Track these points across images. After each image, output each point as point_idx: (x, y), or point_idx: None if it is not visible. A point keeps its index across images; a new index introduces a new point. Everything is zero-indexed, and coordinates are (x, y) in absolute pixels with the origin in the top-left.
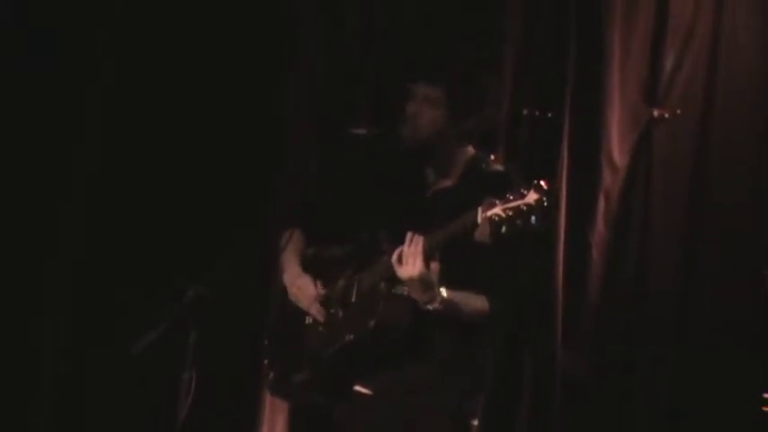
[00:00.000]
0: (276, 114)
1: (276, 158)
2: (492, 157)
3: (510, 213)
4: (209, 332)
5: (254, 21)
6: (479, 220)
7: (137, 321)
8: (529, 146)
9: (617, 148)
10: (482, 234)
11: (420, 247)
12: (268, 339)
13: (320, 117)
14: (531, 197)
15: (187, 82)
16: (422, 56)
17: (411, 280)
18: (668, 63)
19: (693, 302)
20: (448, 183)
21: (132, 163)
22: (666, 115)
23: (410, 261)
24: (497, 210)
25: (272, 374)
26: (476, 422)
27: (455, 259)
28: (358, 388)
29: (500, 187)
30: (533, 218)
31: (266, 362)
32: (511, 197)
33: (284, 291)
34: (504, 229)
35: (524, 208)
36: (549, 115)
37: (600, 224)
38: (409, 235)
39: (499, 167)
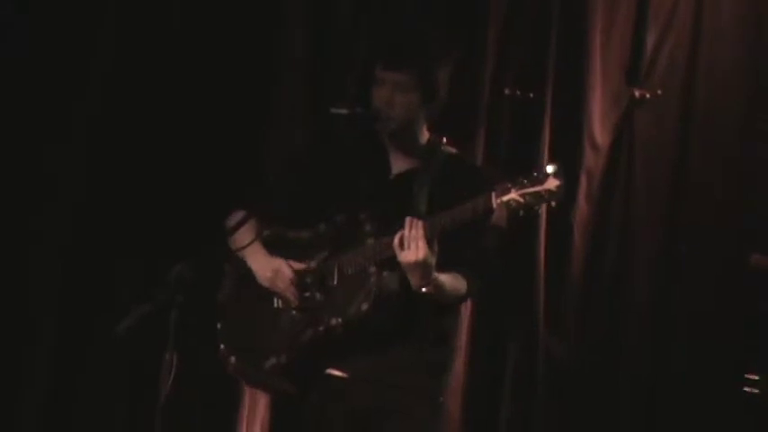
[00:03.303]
0: (264, 102)
1: (265, 144)
2: (444, 140)
3: (529, 198)
4: (192, 312)
5: (243, 10)
6: (494, 205)
7: (123, 310)
8: (511, 126)
9: (599, 129)
10: (499, 218)
11: (421, 232)
12: (221, 323)
13: (308, 104)
14: (552, 183)
15: (177, 72)
16: (390, 42)
17: (415, 264)
18: (650, 43)
19: (676, 283)
20: (410, 165)
21: (121, 152)
22: (648, 96)
23: (413, 245)
24: (513, 195)
25: (233, 359)
26: (442, 399)
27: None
28: (332, 371)
29: (461, 171)
30: (553, 203)
31: (223, 346)
32: (525, 181)
33: (240, 274)
34: (521, 213)
35: (545, 195)
36: (531, 95)
37: (582, 204)
38: (409, 219)
39: (453, 150)
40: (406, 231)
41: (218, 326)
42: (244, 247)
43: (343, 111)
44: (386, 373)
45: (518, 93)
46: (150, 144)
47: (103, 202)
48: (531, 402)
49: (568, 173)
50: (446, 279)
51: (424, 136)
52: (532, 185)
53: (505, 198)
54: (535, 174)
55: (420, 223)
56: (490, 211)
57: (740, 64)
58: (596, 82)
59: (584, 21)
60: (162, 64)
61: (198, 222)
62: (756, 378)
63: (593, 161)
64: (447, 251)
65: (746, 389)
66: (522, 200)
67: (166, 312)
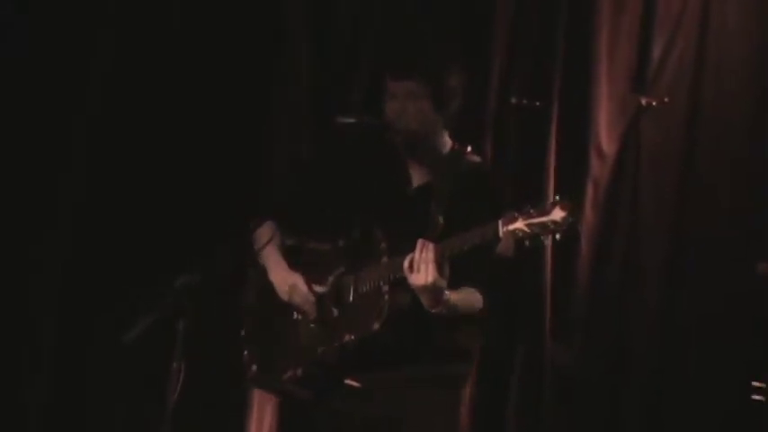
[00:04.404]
0: (267, 106)
1: (267, 150)
2: (469, 148)
3: (535, 229)
4: (199, 321)
5: (244, 13)
6: (501, 233)
7: (125, 314)
8: (517, 135)
9: (605, 137)
10: (505, 248)
11: (432, 255)
12: (246, 330)
13: (312, 108)
14: (558, 214)
15: (178, 76)
16: (396, 52)
17: (424, 287)
18: (656, 51)
19: (683, 292)
20: (431, 178)
21: (121, 154)
22: (654, 104)
23: (423, 269)
24: (520, 224)
25: (254, 367)
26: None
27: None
28: (349, 381)
29: (482, 184)
30: (558, 235)
31: (246, 353)
32: (532, 211)
33: (263, 283)
34: (527, 243)
35: (551, 225)
36: (538, 104)
37: (588, 213)
38: (420, 242)
39: (477, 159)
40: (417, 254)
41: (242, 332)
42: (267, 262)
43: (351, 120)
44: (400, 386)
45: (524, 102)
46: (150, 146)
47: (103, 202)
48: (537, 411)
49: (575, 181)
50: (459, 297)
51: (445, 145)
52: (539, 215)
53: (511, 227)
54: (542, 203)
55: (431, 246)
56: (497, 239)
57: (748, 71)
58: (602, 90)
59: (590, 29)
60: (162, 65)
61: (198, 225)
62: (763, 386)
63: (599, 170)
64: (461, 269)
65: (754, 396)
66: (527, 230)
67: (172, 320)
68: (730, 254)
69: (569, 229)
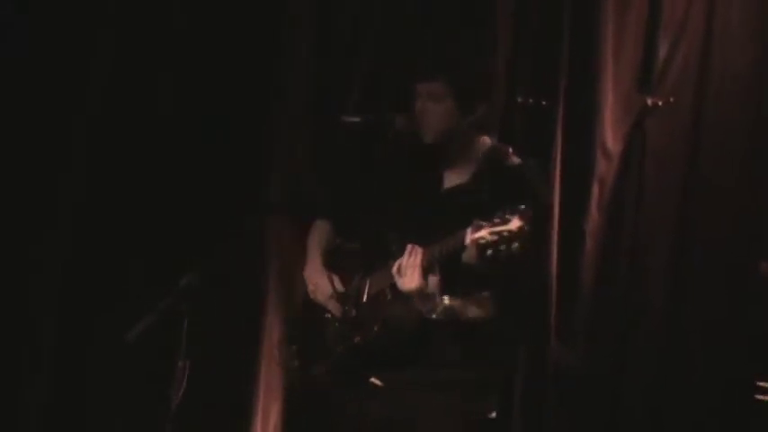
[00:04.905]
0: (267, 106)
1: (267, 150)
2: (510, 149)
3: (495, 238)
4: (203, 320)
5: (244, 13)
6: (467, 241)
7: (125, 314)
8: (523, 134)
9: (611, 136)
10: (469, 256)
11: (418, 260)
12: (295, 326)
13: (312, 108)
14: (514, 224)
15: (178, 76)
16: (417, 54)
17: (410, 292)
18: (662, 51)
19: (687, 292)
20: (463, 179)
21: (121, 154)
22: (660, 103)
23: (408, 273)
24: (484, 233)
25: (295, 363)
26: (494, 414)
27: (458, 262)
28: (373, 380)
29: (516, 186)
30: (515, 244)
31: (294, 348)
32: (497, 220)
33: None
34: (489, 252)
35: (506, 234)
36: (544, 103)
37: (594, 212)
38: (409, 247)
39: (516, 160)
40: (405, 259)
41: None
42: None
43: (356, 119)
44: (404, 389)
45: (530, 101)
46: (150, 146)
47: (103, 202)
48: (541, 412)
49: (580, 180)
50: (462, 303)
51: (480, 145)
52: (501, 224)
53: (477, 235)
54: (504, 212)
55: (419, 251)
56: (463, 246)
57: (752, 71)
58: (608, 90)
59: (595, 29)
60: (162, 65)
61: (198, 225)
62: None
63: (604, 169)
64: (466, 273)
65: (758, 396)
66: (489, 238)
67: (176, 320)
68: (735, 254)
69: (527, 240)
